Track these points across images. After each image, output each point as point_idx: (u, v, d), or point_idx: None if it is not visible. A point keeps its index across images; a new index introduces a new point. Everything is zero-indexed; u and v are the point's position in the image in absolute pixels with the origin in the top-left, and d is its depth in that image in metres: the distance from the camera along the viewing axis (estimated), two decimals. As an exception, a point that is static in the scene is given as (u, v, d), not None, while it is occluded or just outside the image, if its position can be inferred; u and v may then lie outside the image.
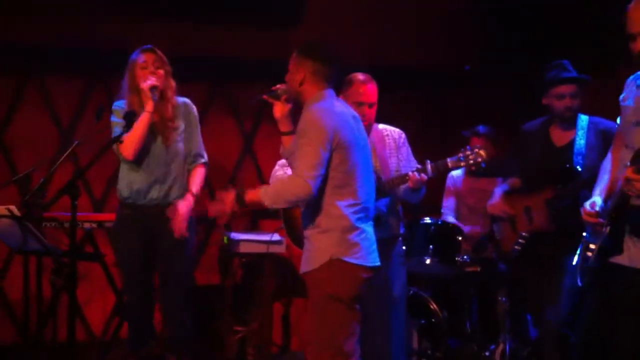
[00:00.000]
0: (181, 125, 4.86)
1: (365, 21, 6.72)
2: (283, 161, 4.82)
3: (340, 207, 3.86)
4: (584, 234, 3.78)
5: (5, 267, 6.09)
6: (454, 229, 5.57)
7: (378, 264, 3.99)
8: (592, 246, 3.66)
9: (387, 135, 4.85)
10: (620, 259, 3.56)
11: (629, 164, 3.42)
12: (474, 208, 5.99)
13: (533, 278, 4.83)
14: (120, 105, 4.80)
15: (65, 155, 4.38)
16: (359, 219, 3.91)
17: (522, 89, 5.93)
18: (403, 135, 4.89)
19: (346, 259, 3.85)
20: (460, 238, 5.51)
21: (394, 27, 6.73)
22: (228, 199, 3.95)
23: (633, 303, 3.53)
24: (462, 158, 4.55)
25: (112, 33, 6.03)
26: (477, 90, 6.88)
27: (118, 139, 4.43)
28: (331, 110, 3.91)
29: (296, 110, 4.14)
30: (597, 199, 3.66)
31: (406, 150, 4.87)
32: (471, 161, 4.54)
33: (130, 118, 4.45)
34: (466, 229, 5.80)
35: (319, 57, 3.98)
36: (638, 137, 3.49)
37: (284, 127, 4.20)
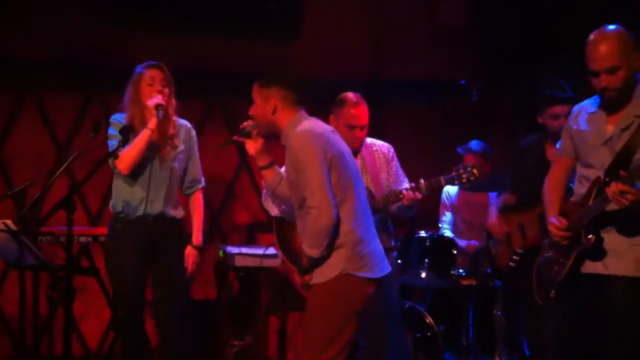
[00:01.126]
0: (181, 145, 4.85)
1: (364, 34, 6.74)
2: None
3: (346, 222, 3.86)
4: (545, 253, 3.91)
5: (1, 281, 6.08)
6: (450, 243, 5.58)
7: (387, 270, 4.00)
8: (562, 260, 3.76)
9: (376, 150, 4.88)
10: (594, 268, 3.65)
11: (602, 177, 3.62)
12: (470, 222, 6.01)
13: (527, 293, 4.83)
14: (118, 119, 4.76)
15: (61, 169, 4.39)
16: (364, 230, 3.93)
17: (521, 98, 5.96)
18: (392, 150, 4.93)
19: (355, 273, 3.86)
20: (455, 252, 5.53)
21: (393, 38, 6.76)
22: (296, 279, 4.22)
23: (618, 312, 3.59)
24: (455, 177, 4.61)
25: (109, 49, 6.04)
26: (477, 100, 6.89)
27: (114, 154, 4.44)
28: (313, 131, 3.89)
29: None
30: (556, 217, 3.82)
31: (395, 164, 4.90)
32: (464, 180, 4.62)
33: (126, 132, 4.45)
34: (463, 243, 5.82)
35: (283, 83, 3.97)
36: (605, 154, 3.68)
37: (261, 161, 4.18)
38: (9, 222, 4.49)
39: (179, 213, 4.89)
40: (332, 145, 3.89)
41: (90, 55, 6.07)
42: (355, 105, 4.69)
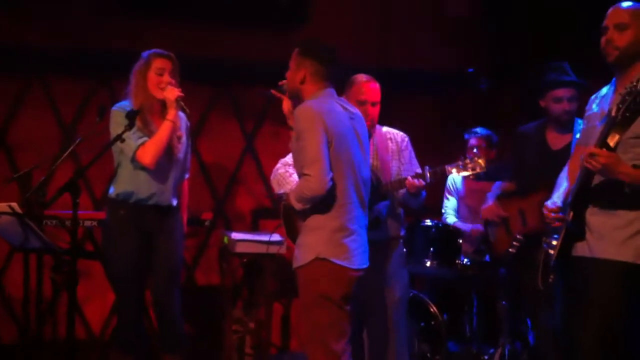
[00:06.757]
0: (183, 135, 4.87)
1: (371, 23, 6.72)
2: (285, 159, 4.83)
3: (331, 205, 3.87)
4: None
5: (5, 264, 6.09)
6: (455, 232, 5.57)
7: (365, 265, 4.00)
8: (554, 242, 3.71)
9: (390, 138, 4.85)
10: (581, 251, 3.60)
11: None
12: (474, 209, 5.98)
13: (529, 281, 4.82)
14: (124, 107, 4.68)
15: (66, 153, 4.38)
16: (349, 220, 3.91)
17: (526, 91, 5.92)
18: (406, 139, 4.89)
19: (332, 259, 3.86)
20: (460, 241, 5.51)
21: (401, 28, 6.74)
22: None
23: (596, 295, 3.55)
24: (461, 166, 4.57)
25: (115, 35, 6.03)
26: (483, 91, 6.88)
27: (120, 138, 4.41)
28: (318, 106, 3.91)
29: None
30: (556, 200, 3.76)
31: (408, 154, 4.86)
32: (469, 169, 4.56)
33: (132, 117, 4.44)
34: (467, 227, 5.79)
35: (318, 57, 4.03)
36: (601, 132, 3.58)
37: (292, 121, 4.17)
38: (14, 204, 4.49)
39: (177, 201, 4.92)
40: (335, 123, 3.89)
41: (97, 41, 6.06)
42: (366, 82, 4.69)
